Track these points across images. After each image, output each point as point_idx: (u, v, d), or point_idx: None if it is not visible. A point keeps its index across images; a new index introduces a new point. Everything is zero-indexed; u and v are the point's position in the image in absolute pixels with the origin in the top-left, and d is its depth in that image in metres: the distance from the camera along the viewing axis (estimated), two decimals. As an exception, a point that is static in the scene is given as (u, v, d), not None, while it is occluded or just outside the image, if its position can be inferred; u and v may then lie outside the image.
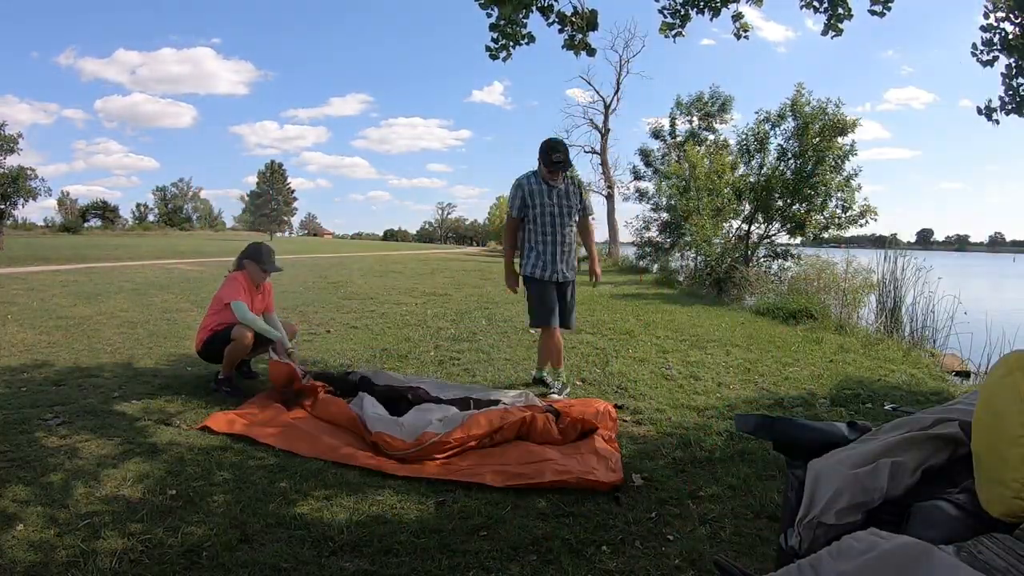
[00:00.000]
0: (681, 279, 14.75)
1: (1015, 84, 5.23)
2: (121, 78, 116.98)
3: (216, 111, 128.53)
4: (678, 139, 26.24)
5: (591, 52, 4.38)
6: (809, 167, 11.72)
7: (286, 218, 71.14)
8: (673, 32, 4.84)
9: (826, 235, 12.33)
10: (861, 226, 12.18)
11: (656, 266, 19.40)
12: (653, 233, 21.70)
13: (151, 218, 78.05)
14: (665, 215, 20.40)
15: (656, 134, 27.66)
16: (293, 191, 68.50)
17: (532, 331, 5.03)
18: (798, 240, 12.75)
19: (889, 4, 4.63)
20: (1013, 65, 5.18)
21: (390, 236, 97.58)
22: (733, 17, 4.91)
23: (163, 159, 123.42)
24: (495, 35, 4.24)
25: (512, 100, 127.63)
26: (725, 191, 13.36)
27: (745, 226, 13.15)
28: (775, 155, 12.42)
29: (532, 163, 3.81)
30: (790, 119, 12.14)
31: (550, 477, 2.41)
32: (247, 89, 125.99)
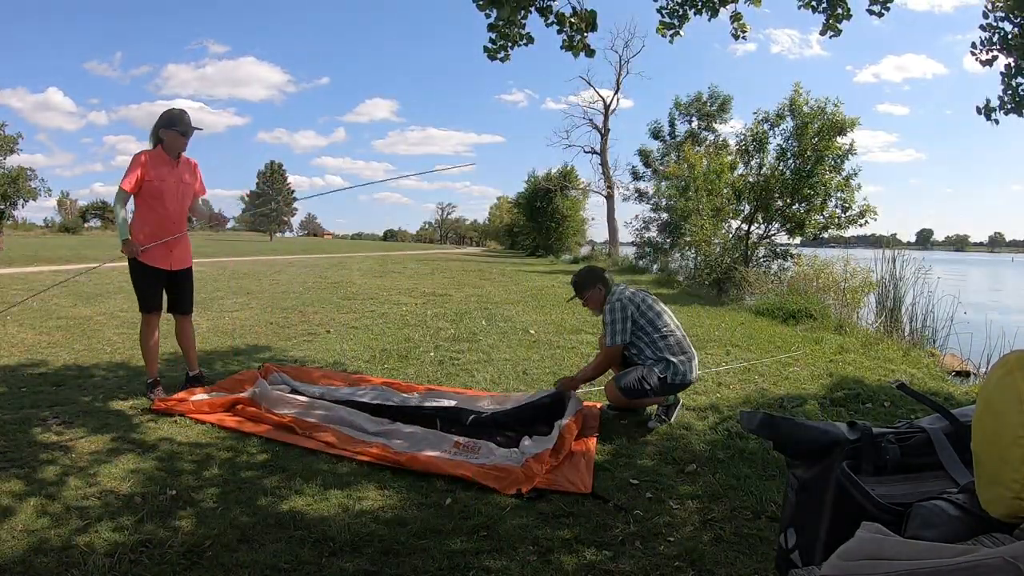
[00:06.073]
0: (681, 279, 14.75)
1: (1015, 84, 5.24)
2: (149, 83, 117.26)
3: (246, 117, 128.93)
4: (677, 139, 26.31)
5: (590, 53, 4.39)
6: (808, 167, 11.70)
7: (286, 218, 71.11)
8: (671, 32, 4.84)
9: (826, 235, 12.30)
10: (861, 226, 12.14)
11: (656, 266, 19.42)
12: (653, 233, 21.77)
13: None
14: (665, 215, 20.44)
15: (656, 134, 27.72)
16: (293, 191, 68.42)
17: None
18: (797, 240, 12.72)
19: (888, 4, 4.63)
20: (1012, 65, 5.19)
21: (390, 236, 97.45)
22: (731, 17, 4.92)
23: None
24: (493, 35, 4.25)
25: (528, 103, 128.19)
26: (724, 191, 13.36)
27: (745, 226, 13.14)
28: (774, 155, 12.41)
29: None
30: (789, 119, 12.13)
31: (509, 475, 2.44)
32: (280, 96, 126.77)
